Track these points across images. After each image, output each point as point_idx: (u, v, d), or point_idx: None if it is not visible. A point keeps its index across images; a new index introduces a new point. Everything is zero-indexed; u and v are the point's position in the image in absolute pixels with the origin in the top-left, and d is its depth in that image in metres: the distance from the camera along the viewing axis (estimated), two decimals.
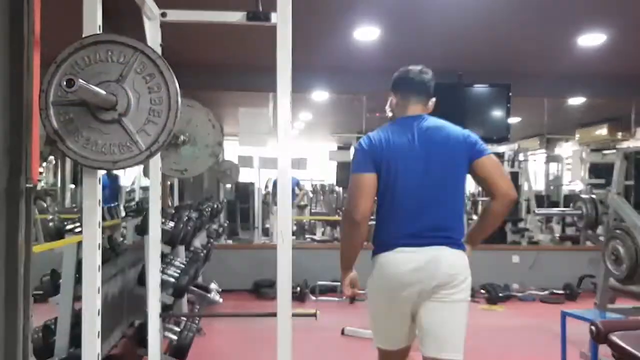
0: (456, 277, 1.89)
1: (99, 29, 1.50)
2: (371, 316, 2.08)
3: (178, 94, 1.46)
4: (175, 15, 2.09)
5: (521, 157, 7.18)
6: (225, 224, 7.02)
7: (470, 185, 8.29)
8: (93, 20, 1.50)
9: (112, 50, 1.45)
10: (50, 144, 1.45)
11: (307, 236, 7.96)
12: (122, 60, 1.45)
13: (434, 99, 2.11)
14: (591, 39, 4.69)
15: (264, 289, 5.37)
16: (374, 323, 2.09)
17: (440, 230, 1.92)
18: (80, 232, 1.95)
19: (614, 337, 2.08)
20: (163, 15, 2.07)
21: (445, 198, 1.95)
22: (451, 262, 1.90)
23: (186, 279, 3.11)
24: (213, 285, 4.64)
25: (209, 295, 4.19)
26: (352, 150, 9.39)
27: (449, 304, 1.91)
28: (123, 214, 4.73)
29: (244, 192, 8.23)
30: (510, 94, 5.74)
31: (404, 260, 1.92)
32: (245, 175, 7.80)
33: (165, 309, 3.06)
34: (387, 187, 1.94)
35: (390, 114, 2.12)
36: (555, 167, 8.92)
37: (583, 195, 4.69)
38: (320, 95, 6.56)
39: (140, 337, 3.00)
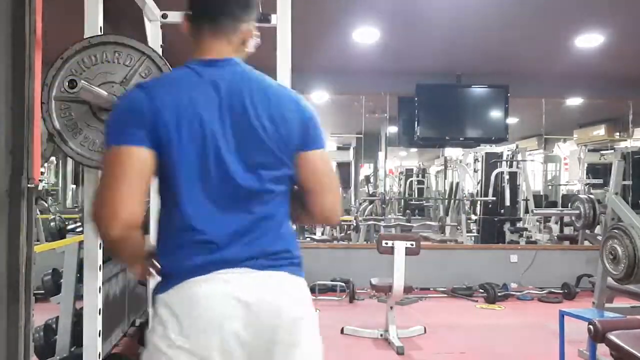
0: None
1: (100, 30, 1.52)
2: None
3: None
4: (176, 16, 2.10)
5: (519, 157, 7.19)
6: None
7: (469, 185, 8.32)
8: (94, 20, 1.52)
9: (119, 52, 1.46)
10: (49, 140, 1.46)
11: (306, 236, 7.97)
12: (128, 62, 1.46)
13: (256, 33, 1.25)
14: (589, 40, 4.71)
15: None
16: None
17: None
18: (82, 231, 1.96)
19: (612, 336, 2.09)
20: (164, 16, 2.08)
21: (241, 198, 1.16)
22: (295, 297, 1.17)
23: None
24: None
25: None
26: (350, 151, 9.44)
27: None
28: None
29: None
30: (509, 94, 5.77)
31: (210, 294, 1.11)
32: None
33: None
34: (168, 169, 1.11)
35: None
36: (553, 167, 8.94)
37: (581, 195, 4.71)
38: (320, 95, 6.57)
39: (141, 336, 3.01)
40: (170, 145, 1.08)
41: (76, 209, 6.51)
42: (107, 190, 1.08)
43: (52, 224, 3.63)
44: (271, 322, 1.09)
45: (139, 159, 1.07)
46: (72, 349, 2.56)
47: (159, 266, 1.17)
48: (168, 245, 1.15)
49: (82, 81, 1.26)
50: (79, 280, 2.56)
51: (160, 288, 1.13)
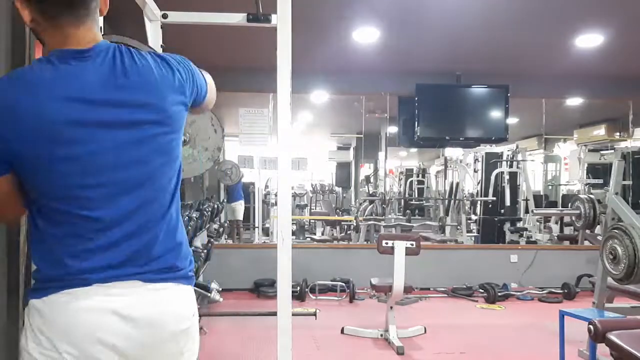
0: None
1: (100, 30, 1.52)
2: None
3: None
4: (176, 16, 2.11)
5: (519, 157, 7.19)
6: (226, 224, 7.03)
7: (469, 185, 8.32)
8: None
9: None
10: None
11: (306, 236, 7.97)
12: None
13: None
14: (589, 40, 4.71)
15: (264, 288, 5.39)
16: None
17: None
18: None
19: (612, 336, 2.09)
20: (164, 16, 2.08)
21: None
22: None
23: None
24: (213, 285, 4.65)
25: (209, 294, 4.19)
26: (350, 151, 9.44)
27: None
28: None
29: (245, 192, 8.25)
30: (509, 94, 5.76)
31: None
32: (245, 175, 7.80)
33: None
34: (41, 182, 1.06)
35: None
36: (553, 167, 8.95)
37: (581, 195, 4.71)
38: (320, 95, 6.57)
39: None
40: None
41: None
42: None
43: None
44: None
45: None
46: None
47: None
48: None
49: None
50: None
51: None
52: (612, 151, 7.40)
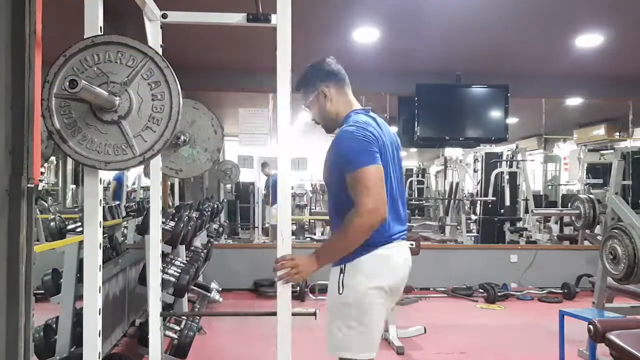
0: None
1: (100, 30, 1.52)
2: (369, 321, 1.76)
3: (180, 105, 1.47)
4: (176, 16, 2.10)
5: (519, 157, 7.20)
6: (226, 224, 7.03)
7: (469, 185, 8.32)
8: (94, 21, 1.51)
9: (122, 52, 1.46)
10: (49, 138, 1.46)
11: (306, 236, 7.97)
12: (130, 63, 1.46)
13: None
14: (589, 40, 4.71)
15: (263, 288, 5.39)
16: (372, 329, 1.78)
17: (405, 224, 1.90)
18: (82, 231, 1.96)
19: (612, 336, 2.09)
20: (164, 16, 2.08)
21: (404, 193, 1.96)
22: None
23: (187, 279, 3.12)
24: (213, 285, 4.65)
25: (209, 294, 4.19)
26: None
27: None
28: (124, 213, 4.74)
29: (244, 192, 8.25)
30: (509, 94, 5.76)
31: (401, 253, 1.85)
32: (245, 175, 7.81)
33: (166, 308, 3.08)
34: (385, 177, 1.79)
35: (316, 113, 1.96)
36: (553, 167, 8.95)
37: (581, 195, 4.71)
38: None
39: (141, 336, 3.01)
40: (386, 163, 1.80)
41: (76, 209, 6.51)
42: (380, 193, 1.70)
43: (52, 223, 3.62)
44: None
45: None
46: (72, 349, 2.56)
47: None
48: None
49: (83, 81, 1.25)
50: (79, 280, 2.56)
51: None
52: (612, 151, 7.39)
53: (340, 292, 1.76)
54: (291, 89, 1.78)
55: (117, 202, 5.29)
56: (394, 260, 1.80)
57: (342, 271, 1.77)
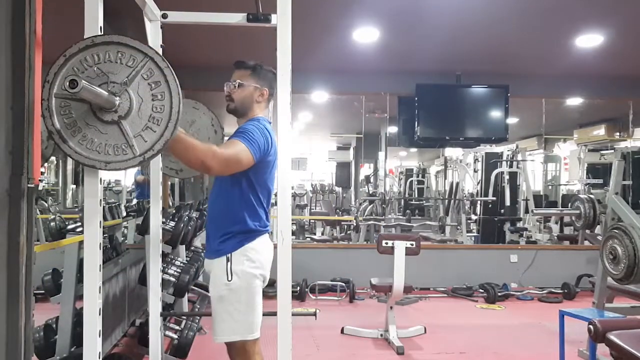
0: None
1: (100, 30, 1.52)
2: (254, 302, 2.06)
3: (180, 105, 1.47)
4: (176, 16, 2.11)
5: (519, 157, 7.19)
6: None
7: (469, 185, 8.32)
8: (94, 20, 1.51)
9: (122, 52, 1.45)
10: (49, 138, 1.46)
11: (306, 236, 7.97)
12: (131, 64, 1.45)
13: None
14: (588, 40, 4.71)
15: (264, 288, 5.38)
16: (256, 309, 2.07)
17: None
18: (82, 231, 1.96)
19: (612, 336, 2.09)
20: (164, 16, 2.09)
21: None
22: None
23: (187, 278, 3.12)
24: None
25: (209, 294, 4.19)
26: (350, 151, 9.41)
27: None
28: (124, 213, 4.74)
29: None
30: (509, 94, 5.76)
31: (271, 244, 2.11)
32: None
33: (166, 308, 3.08)
34: (266, 178, 2.05)
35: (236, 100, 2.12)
36: (553, 167, 8.95)
37: (581, 195, 4.70)
38: (320, 95, 6.57)
39: (141, 336, 3.01)
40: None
41: (76, 209, 6.51)
42: (234, 164, 1.90)
43: (52, 223, 3.62)
44: None
45: None
46: (72, 349, 2.56)
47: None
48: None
49: (83, 81, 1.25)
50: (79, 280, 2.56)
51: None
52: (612, 151, 7.40)
53: (230, 279, 2.00)
54: (291, 89, 1.78)
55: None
56: (268, 248, 2.10)
57: (228, 260, 2.00)
